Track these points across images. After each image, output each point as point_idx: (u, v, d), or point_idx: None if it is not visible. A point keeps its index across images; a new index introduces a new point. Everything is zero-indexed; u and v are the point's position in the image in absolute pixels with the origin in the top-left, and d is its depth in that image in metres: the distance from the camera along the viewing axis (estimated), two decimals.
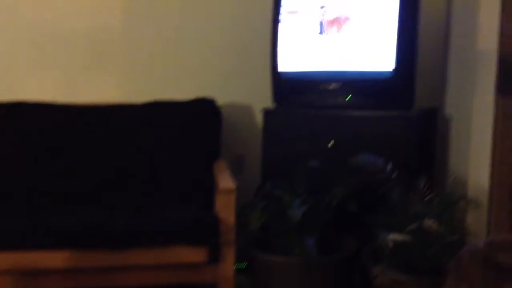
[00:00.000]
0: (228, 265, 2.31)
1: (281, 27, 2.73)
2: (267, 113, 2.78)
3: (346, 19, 2.58)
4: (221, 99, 2.97)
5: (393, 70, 2.48)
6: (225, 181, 2.46)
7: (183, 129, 2.84)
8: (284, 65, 2.74)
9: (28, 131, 2.76)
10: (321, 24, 2.64)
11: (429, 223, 2.15)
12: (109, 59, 3.00)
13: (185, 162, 2.76)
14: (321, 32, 2.64)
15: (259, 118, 2.94)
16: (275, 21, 2.74)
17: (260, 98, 2.93)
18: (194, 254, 2.28)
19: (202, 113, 2.90)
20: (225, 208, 2.35)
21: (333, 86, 2.62)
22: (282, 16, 2.72)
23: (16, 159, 2.68)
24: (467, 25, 2.54)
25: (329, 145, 2.56)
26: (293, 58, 2.72)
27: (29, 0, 2.92)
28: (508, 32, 2.32)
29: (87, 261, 2.23)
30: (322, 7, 2.64)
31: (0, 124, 2.75)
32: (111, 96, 2.98)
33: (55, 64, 2.96)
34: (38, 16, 2.93)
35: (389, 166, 2.31)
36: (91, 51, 2.98)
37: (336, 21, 2.61)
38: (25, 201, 2.52)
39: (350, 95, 2.58)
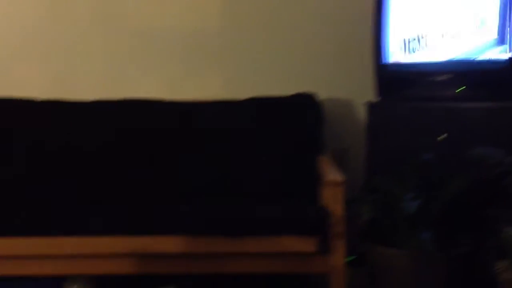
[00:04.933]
0: (338, 257, 2.28)
1: (385, 14, 2.67)
2: (371, 106, 2.73)
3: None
4: (322, 93, 2.95)
5: (509, 58, 2.38)
6: (332, 174, 2.43)
7: (285, 125, 2.83)
8: (389, 56, 2.69)
9: (136, 128, 2.83)
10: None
11: None
12: (210, 57, 3.05)
13: (288, 157, 2.74)
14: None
15: (360, 112, 2.90)
16: (379, 8, 2.68)
17: (361, 92, 2.89)
18: (303, 245, 2.26)
19: (303, 108, 2.88)
20: (333, 201, 2.32)
21: (443, 77, 2.54)
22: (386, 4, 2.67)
23: (129, 154, 2.74)
24: None
25: (440, 138, 2.47)
26: (399, 47, 2.66)
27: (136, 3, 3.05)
28: None
29: (200, 247, 2.26)
30: None
31: (110, 121, 2.84)
32: (214, 93, 3.03)
33: (160, 63, 3.05)
34: (145, 17, 3.03)
35: (509, 159, 2.20)
36: (194, 50, 3.05)
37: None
38: (139, 191, 2.61)
39: (463, 87, 2.49)
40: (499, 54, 2.40)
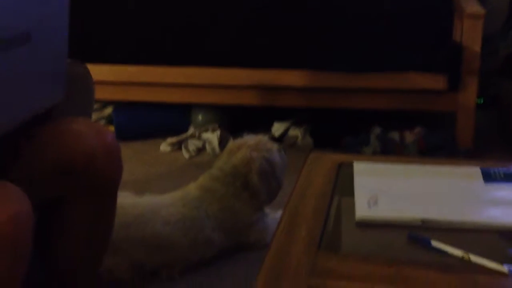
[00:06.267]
0: (469, 94, 2.16)
1: None
2: None
3: None
4: None
5: None
6: (472, 6, 2.22)
7: None
8: None
9: None
10: None
11: None
12: None
13: None
14: None
15: None
16: None
17: None
18: (432, 81, 2.17)
19: None
20: (471, 35, 2.15)
21: None
22: None
23: None
24: None
25: None
26: None
27: None
28: None
29: (325, 81, 2.25)
30: None
31: None
32: None
33: None
34: None
35: None
36: None
37: None
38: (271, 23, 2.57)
39: None
40: None
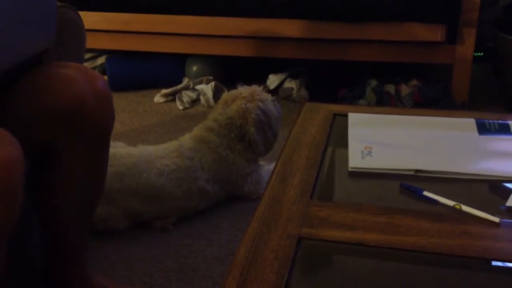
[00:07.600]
0: (467, 47, 2.13)
1: None
2: None
3: None
4: None
5: None
6: None
7: None
8: None
9: None
10: None
11: None
12: None
13: None
14: None
15: None
16: None
17: None
18: (430, 32, 2.12)
19: None
20: None
21: None
22: None
23: None
24: None
25: None
26: None
27: None
28: None
29: (321, 32, 2.21)
30: None
31: None
32: None
33: None
34: None
35: None
36: None
37: None
38: None
39: None
40: None
